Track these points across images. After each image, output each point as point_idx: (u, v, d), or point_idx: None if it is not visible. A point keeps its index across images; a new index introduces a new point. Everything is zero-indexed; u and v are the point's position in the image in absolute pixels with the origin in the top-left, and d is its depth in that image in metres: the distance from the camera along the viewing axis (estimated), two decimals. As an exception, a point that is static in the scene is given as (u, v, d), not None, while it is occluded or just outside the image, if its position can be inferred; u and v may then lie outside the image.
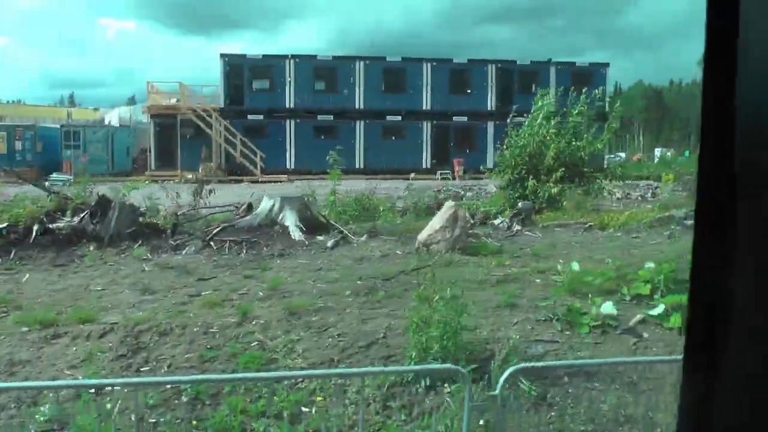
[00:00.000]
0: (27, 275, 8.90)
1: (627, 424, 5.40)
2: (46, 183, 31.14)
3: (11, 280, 8.73)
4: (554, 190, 13.41)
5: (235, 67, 37.51)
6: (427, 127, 38.41)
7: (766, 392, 1.01)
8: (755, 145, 0.97)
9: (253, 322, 6.92)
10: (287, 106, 37.63)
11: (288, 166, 37.68)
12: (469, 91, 38.61)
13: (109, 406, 5.49)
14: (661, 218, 11.42)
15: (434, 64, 37.93)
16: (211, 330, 6.84)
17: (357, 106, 37.90)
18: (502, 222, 11.08)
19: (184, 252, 9.54)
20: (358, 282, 7.78)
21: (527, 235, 10.46)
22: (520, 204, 12.14)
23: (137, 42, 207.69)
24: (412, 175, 33.56)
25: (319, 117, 37.64)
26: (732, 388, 1.05)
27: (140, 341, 6.69)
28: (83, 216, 9.97)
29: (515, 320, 6.61)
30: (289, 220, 9.87)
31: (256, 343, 6.55)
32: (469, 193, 23.00)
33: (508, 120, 16.70)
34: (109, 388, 5.67)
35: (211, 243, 9.58)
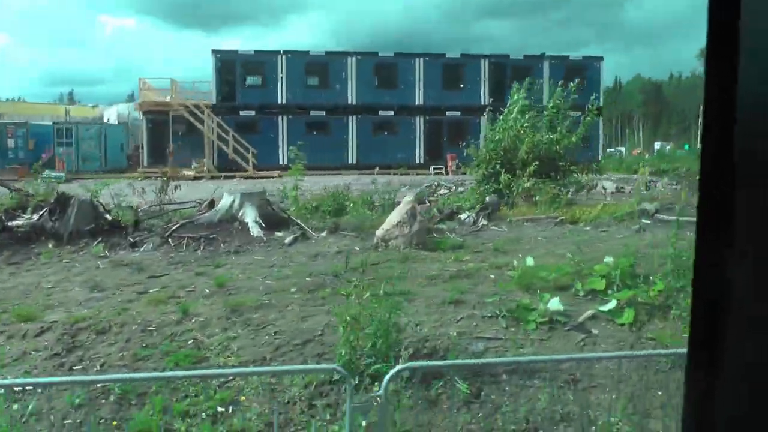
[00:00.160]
0: (-21, 273, 8.75)
1: (562, 422, 5.21)
2: (38, 180, 31.13)
3: (-38, 278, 8.57)
4: (527, 185, 13.19)
5: (227, 63, 37.32)
6: (419, 122, 38.17)
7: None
8: (758, 137, 0.97)
9: (193, 320, 6.76)
10: (279, 101, 37.42)
11: (281, 162, 37.42)
12: (462, 85, 38.34)
13: (31, 406, 5.33)
14: (633, 212, 11.21)
15: (427, 59, 37.66)
16: (150, 328, 6.67)
17: (349, 102, 37.68)
18: (468, 217, 10.87)
19: (142, 249, 9.36)
20: (307, 279, 7.60)
21: (493, 230, 10.25)
22: (487, 198, 11.93)
23: (137, 39, 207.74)
24: (400, 170, 33.39)
25: (312, 113, 37.43)
26: (736, 383, 1.03)
27: (77, 340, 6.53)
28: (42, 213, 9.80)
29: (460, 316, 6.42)
30: (249, 216, 9.68)
31: (192, 341, 6.38)
32: (460, 188, 22.79)
33: (485, 114, 16.46)
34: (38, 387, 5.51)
35: (170, 240, 9.40)
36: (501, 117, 15.68)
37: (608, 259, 7.56)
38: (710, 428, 1.06)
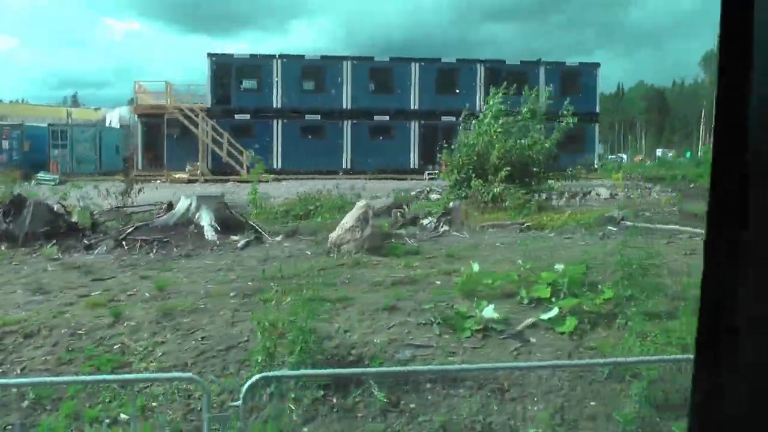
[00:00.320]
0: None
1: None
2: (33, 182, 31.11)
3: None
4: (496, 190, 12.98)
5: (223, 67, 37.24)
6: (415, 126, 37.99)
7: None
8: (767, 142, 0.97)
9: (125, 324, 6.60)
10: (274, 105, 37.30)
11: (275, 166, 37.32)
12: (457, 90, 38.13)
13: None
14: (602, 218, 11.01)
15: (422, 63, 37.51)
16: (80, 332, 6.52)
17: (345, 106, 37.52)
18: (429, 222, 10.68)
19: (96, 251, 9.22)
20: (249, 283, 7.44)
21: (454, 236, 10.06)
22: (451, 204, 11.75)
23: (142, 42, 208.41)
24: (392, 174, 33.22)
25: (307, 117, 37.28)
26: (742, 383, 1.04)
27: (2, 343, 6.39)
28: (-4, 215, 9.68)
29: (393, 323, 6.23)
30: (205, 219, 9.53)
31: (119, 345, 6.23)
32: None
33: (461, 118, 16.28)
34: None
35: (124, 243, 9.25)
36: (475, 121, 15.49)
37: (558, 266, 7.36)
38: (716, 428, 1.07)
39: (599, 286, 7.03)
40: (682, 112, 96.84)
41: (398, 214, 11.23)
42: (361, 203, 8.82)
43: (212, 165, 36.85)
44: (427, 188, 25.62)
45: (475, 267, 7.24)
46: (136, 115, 38.31)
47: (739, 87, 0.97)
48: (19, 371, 5.96)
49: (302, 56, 37.93)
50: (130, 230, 9.56)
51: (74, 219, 10.02)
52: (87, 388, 5.44)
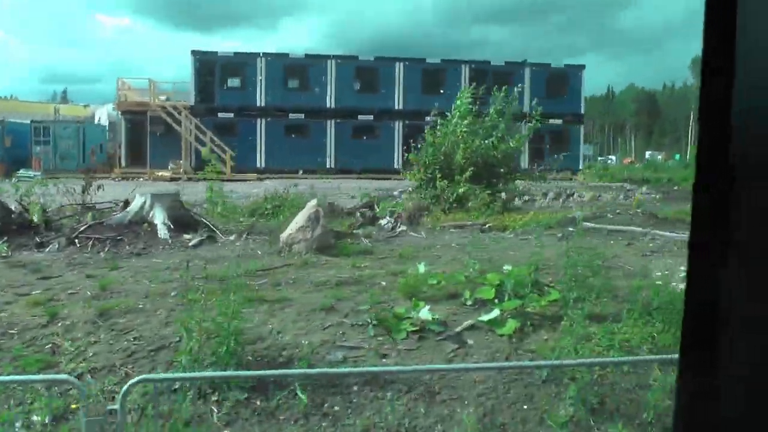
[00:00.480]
0: None
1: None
2: (13, 179, 30.86)
3: None
4: (461, 191, 12.88)
5: (207, 64, 37.07)
6: (399, 126, 37.90)
7: (765, 386, 1.00)
8: (753, 139, 0.98)
9: (59, 324, 6.46)
10: (258, 104, 37.17)
11: (259, 165, 37.23)
12: (442, 91, 38.05)
13: None
14: (564, 220, 10.93)
15: (407, 63, 37.45)
16: (12, 331, 6.37)
17: (329, 105, 37.43)
18: (387, 222, 10.57)
19: (47, 250, 9.06)
20: (192, 283, 7.30)
21: (410, 236, 9.95)
22: (410, 204, 11.65)
23: (133, 38, 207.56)
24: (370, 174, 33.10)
25: (291, 116, 37.17)
26: (728, 385, 1.04)
27: (-70, 343, 6.24)
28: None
29: (328, 324, 6.12)
30: (158, 217, 9.38)
31: (50, 345, 6.09)
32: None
33: (429, 118, 16.19)
34: None
35: (76, 241, 9.10)
36: (441, 122, 15.38)
37: (506, 268, 7.27)
38: (702, 429, 1.07)
39: (546, 288, 6.94)
40: (672, 115, 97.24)
41: (359, 214, 11.12)
42: (312, 203, 8.71)
43: (195, 163, 36.62)
44: (409, 188, 25.56)
45: (421, 268, 7.14)
46: (119, 113, 38.06)
47: (723, 89, 0.98)
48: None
49: (286, 54, 37.82)
50: (83, 228, 9.41)
51: (30, 216, 9.85)
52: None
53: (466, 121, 14.74)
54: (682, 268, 8.08)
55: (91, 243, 9.00)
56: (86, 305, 6.89)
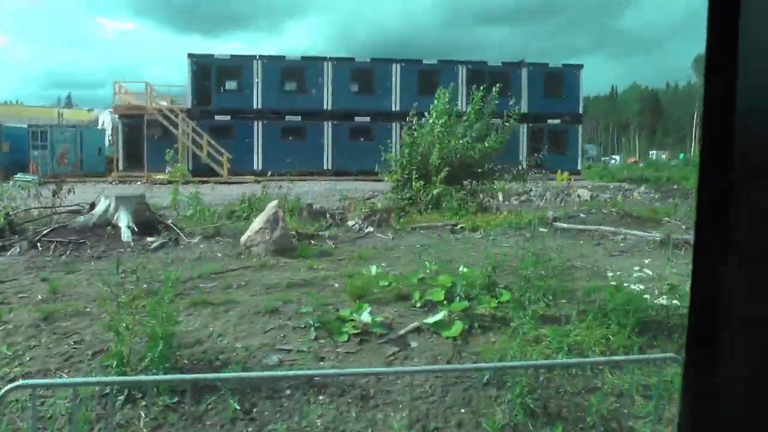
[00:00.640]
0: None
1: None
2: (11, 183, 30.92)
3: None
4: (435, 191, 12.75)
5: (203, 67, 37.08)
6: (396, 128, 37.74)
7: (765, 386, 1.00)
8: (755, 140, 0.97)
9: (2, 327, 6.39)
10: (255, 106, 37.17)
11: (255, 168, 37.20)
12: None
13: None
14: (536, 220, 10.79)
15: (403, 65, 37.36)
16: (-47, 336, 6.31)
17: (325, 107, 37.39)
18: (354, 224, 10.46)
19: (8, 253, 9.00)
20: (144, 286, 7.22)
21: (376, 237, 9.83)
22: (379, 205, 11.54)
23: (136, 42, 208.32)
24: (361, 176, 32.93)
25: (287, 118, 37.15)
26: (732, 382, 1.04)
27: None
28: None
29: (270, 327, 6.02)
30: (123, 220, 9.31)
31: (-12, 349, 6.02)
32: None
33: (408, 119, 16.09)
34: None
35: (39, 244, 9.04)
36: (416, 122, 15.26)
37: (462, 269, 7.16)
38: (706, 427, 1.08)
39: (499, 289, 6.82)
40: (675, 114, 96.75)
41: (329, 215, 11.02)
42: (271, 204, 8.61)
43: (192, 166, 36.63)
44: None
45: (373, 269, 7.03)
46: (116, 116, 38.14)
47: (726, 88, 0.97)
48: None
49: (283, 57, 37.79)
50: (46, 231, 9.35)
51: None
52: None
53: (441, 121, 14.61)
54: (647, 270, 7.95)
55: (53, 246, 8.94)
56: (33, 309, 6.82)
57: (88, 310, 6.69)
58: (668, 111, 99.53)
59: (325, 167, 37.07)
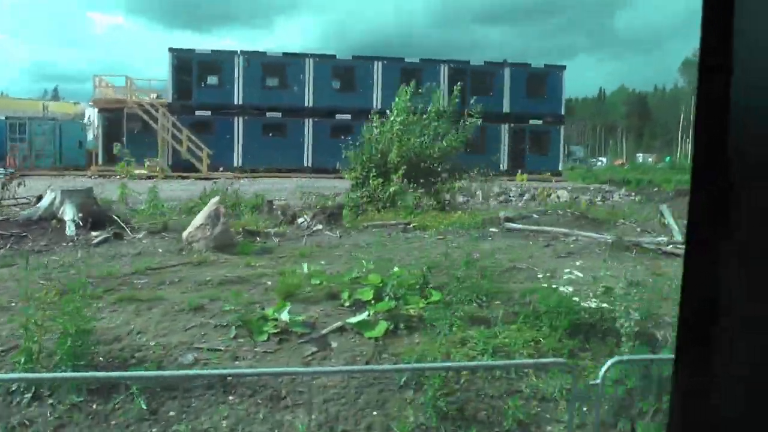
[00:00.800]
0: None
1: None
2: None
3: None
4: (391, 189, 12.69)
5: (184, 62, 36.81)
6: (376, 126, 37.69)
7: (760, 385, 1.00)
8: (748, 140, 0.98)
9: None
10: (236, 102, 36.95)
11: (236, 164, 37.02)
12: (420, 90, 37.87)
13: None
14: (489, 220, 10.77)
15: (385, 63, 37.24)
16: None
17: (306, 104, 37.23)
18: (304, 221, 10.39)
19: (-50, 246, 8.86)
20: (65, 282, 7.13)
21: (324, 235, 9.77)
22: (328, 203, 11.48)
23: (126, 36, 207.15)
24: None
25: (268, 114, 36.95)
26: (724, 383, 1.04)
27: None
28: None
29: (192, 325, 5.95)
30: (68, 214, 9.19)
31: None
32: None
33: (369, 116, 16.00)
34: None
35: (-21, 237, 8.90)
36: (376, 120, 15.18)
37: (395, 269, 7.10)
38: (697, 427, 1.07)
39: (429, 290, 6.76)
40: (663, 117, 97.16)
41: (280, 212, 10.94)
42: (213, 200, 8.53)
43: (172, 161, 36.44)
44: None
45: (306, 267, 6.96)
46: (96, 110, 37.84)
47: (721, 88, 0.97)
48: None
49: (264, 53, 37.61)
50: (-12, 224, 9.22)
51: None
52: None
53: (400, 119, 14.55)
54: (577, 273, 7.91)
55: (-5, 239, 8.82)
56: (-43, 304, 6.71)
57: (12, 305, 6.58)
58: (656, 114, 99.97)
59: (305, 164, 36.92)
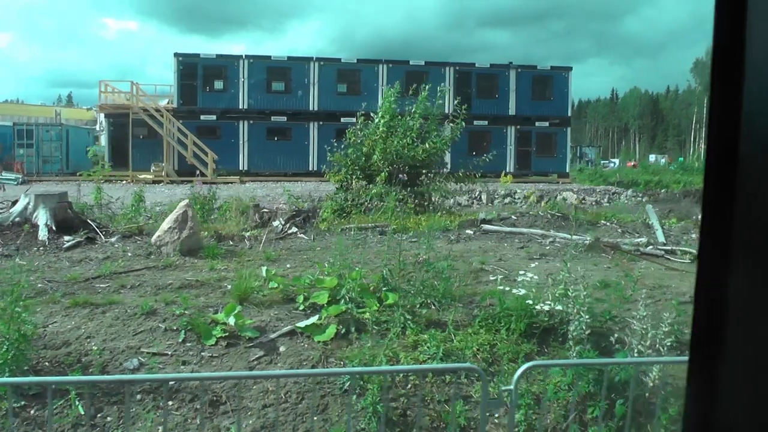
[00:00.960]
0: None
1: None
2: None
3: None
4: (374, 191, 12.64)
5: (189, 67, 37.07)
6: (381, 129, 37.70)
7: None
8: (760, 142, 0.98)
9: None
10: (240, 106, 37.16)
11: (241, 168, 37.21)
12: (426, 94, 37.84)
13: None
14: (467, 222, 10.68)
15: (390, 65, 37.26)
16: None
17: (311, 108, 37.35)
18: (278, 224, 10.38)
19: None
20: (39, 286, 7.19)
21: (298, 239, 9.75)
22: (306, 205, 11.47)
23: (139, 41, 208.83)
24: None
25: (273, 118, 37.13)
26: (738, 382, 1.03)
27: None
28: None
29: (142, 329, 5.95)
30: (41, 218, 9.25)
31: None
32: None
33: (355, 119, 16.00)
34: None
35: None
36: (358, 124, 15.16)
37: (353, 272, 7.05)
38: (711, 428, 1.07)
39: (385, 291, 6.71)
40: (675, 118, 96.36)
41: (257, 215, 10.94)
42: (182, 203, 8.54)
43: (178, 165, 36.67)
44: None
45: (263, 271, 6.96)
46: (102, 115, 38.18)
47: (733, 93, 0.98)
48: None
49: (268, 57, 37.77)
50: (-40, 230, 9.29)
51: None
52: None
53: (384, 120, 14.52)
54: (549, 276, 7.82)
55: (-34, 244, 8.88)
56: None
57: (-29, 309, 6.61)
58: (668, 115, 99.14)
59: (310, 168, 37.01)
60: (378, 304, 6.50)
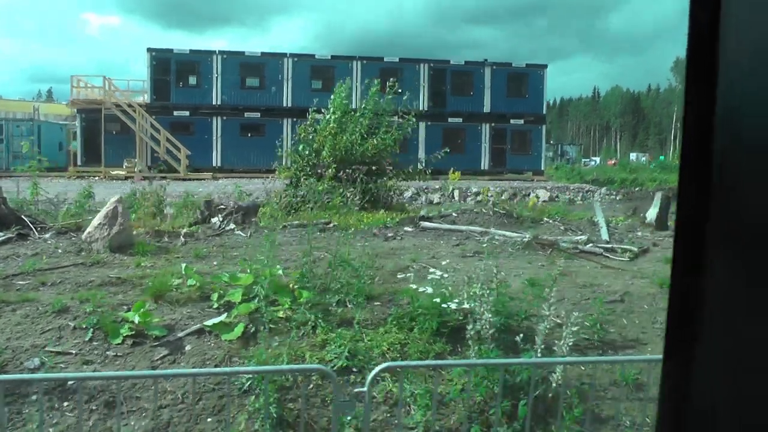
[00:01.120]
0: None
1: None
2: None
3: None
4: (320, 188, 12.70)
5: (162, 62, 36.88)
6: (355, 126, 37.71)
7: (743, 385, 1.01)
8: (734, 140, 0.99)
9: None
10: (214, 102, 37.04)
11: (214, 164, 37.11)
12: (400, 90, 37.85)
13: None
14: (407, 219, 10.76)
15: (364, 62, 37.26)
16: None
17: (285, 104, 37.28)
18: (216, 221, 10.41)
19: None
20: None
21: (234, 235, 9.78)
22: (246, 202, 11.50)
23: (121, 37, 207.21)
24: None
25: (246, 114, 37.04)
26: (711, 381, 1.05)
27: None
28: None
29: (50, 327, 5.96)
30: (-29, 215, 9.24)
31: None
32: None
33: (308, 115, 16.03)
34: None
35: None
36: (311, 118, 15.20)
37: (278, 268, 7.11)
38: (684, 425, 1.08)
39: (298, 289, 6.76)
40: (656, 116, 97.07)
41: (198, 212, 10.96)
42: (112, 199, 8.55)
43: (151, 162, 36.48)
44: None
45: (183, 268, 6.99)
46: (75, 110, 37.90)
47: (707, 91, 0.99)
48: None
49: (242, 53, 37.65)
50: None
51: None
52: None
53: (335, 116, 14.55)
54: (465, 274, 7.90)
55: None
56: None
57: None
58: (650, 114, 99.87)
59: (283, 164, 36.85)
60: (291, 302, 6.54)
